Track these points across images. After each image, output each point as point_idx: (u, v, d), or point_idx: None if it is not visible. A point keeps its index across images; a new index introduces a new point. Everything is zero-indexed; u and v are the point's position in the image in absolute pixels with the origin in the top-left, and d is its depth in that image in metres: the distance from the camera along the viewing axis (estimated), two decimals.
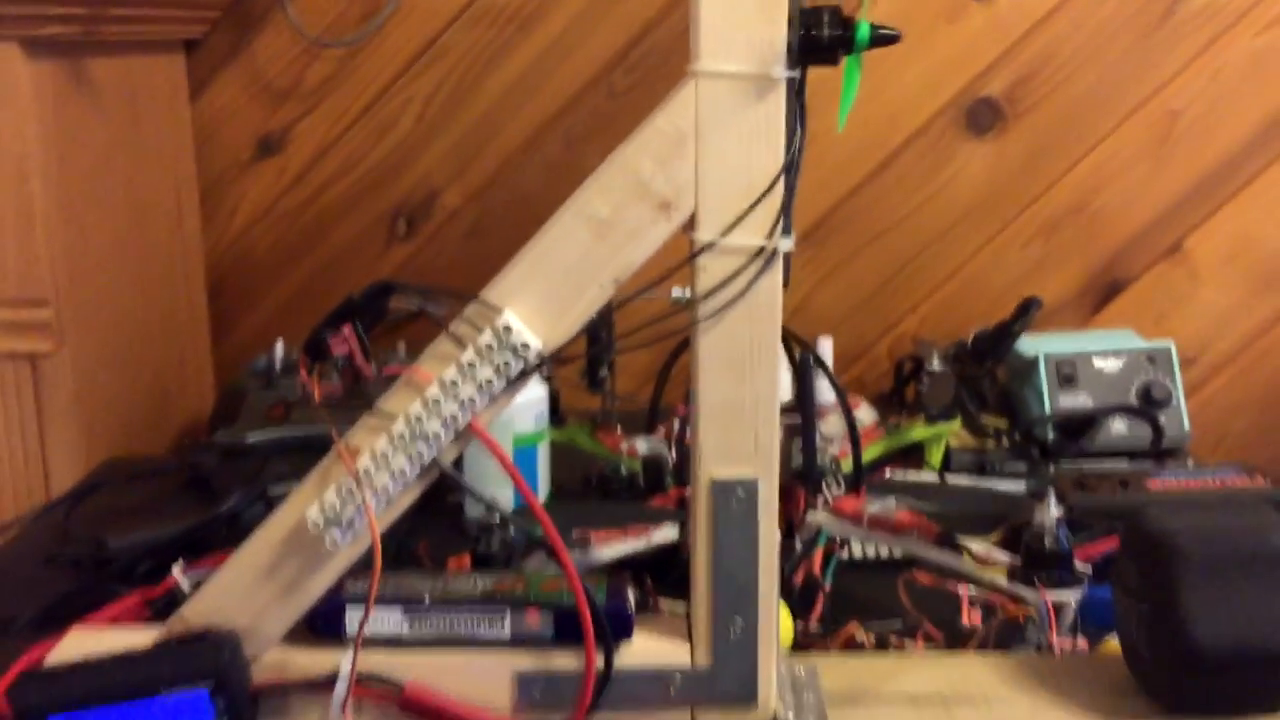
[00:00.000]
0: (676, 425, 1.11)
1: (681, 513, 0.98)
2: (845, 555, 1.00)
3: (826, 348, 1.25)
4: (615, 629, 0.65)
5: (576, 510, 1.13)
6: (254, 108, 1.50)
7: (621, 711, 0.66)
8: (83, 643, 0.67)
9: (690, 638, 0.67)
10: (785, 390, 1.14)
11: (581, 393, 1.22)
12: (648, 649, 0.67)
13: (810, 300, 1.52)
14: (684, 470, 1.09)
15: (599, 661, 0.64)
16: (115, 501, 1.08)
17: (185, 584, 0.76)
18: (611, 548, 0.94)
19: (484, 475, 0.98)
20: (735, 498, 0.64)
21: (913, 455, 1.22)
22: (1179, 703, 0.67)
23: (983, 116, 1.48)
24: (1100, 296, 1.52)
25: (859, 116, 0.62)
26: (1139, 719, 0.68)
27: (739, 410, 0.64)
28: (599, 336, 0.89)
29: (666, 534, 0.97)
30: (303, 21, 1.45)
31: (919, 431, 1.21)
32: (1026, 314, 1.24)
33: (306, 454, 1.11)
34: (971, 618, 0.89)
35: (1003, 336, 1.26)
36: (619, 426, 1.20)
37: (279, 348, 1.34)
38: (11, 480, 1.15)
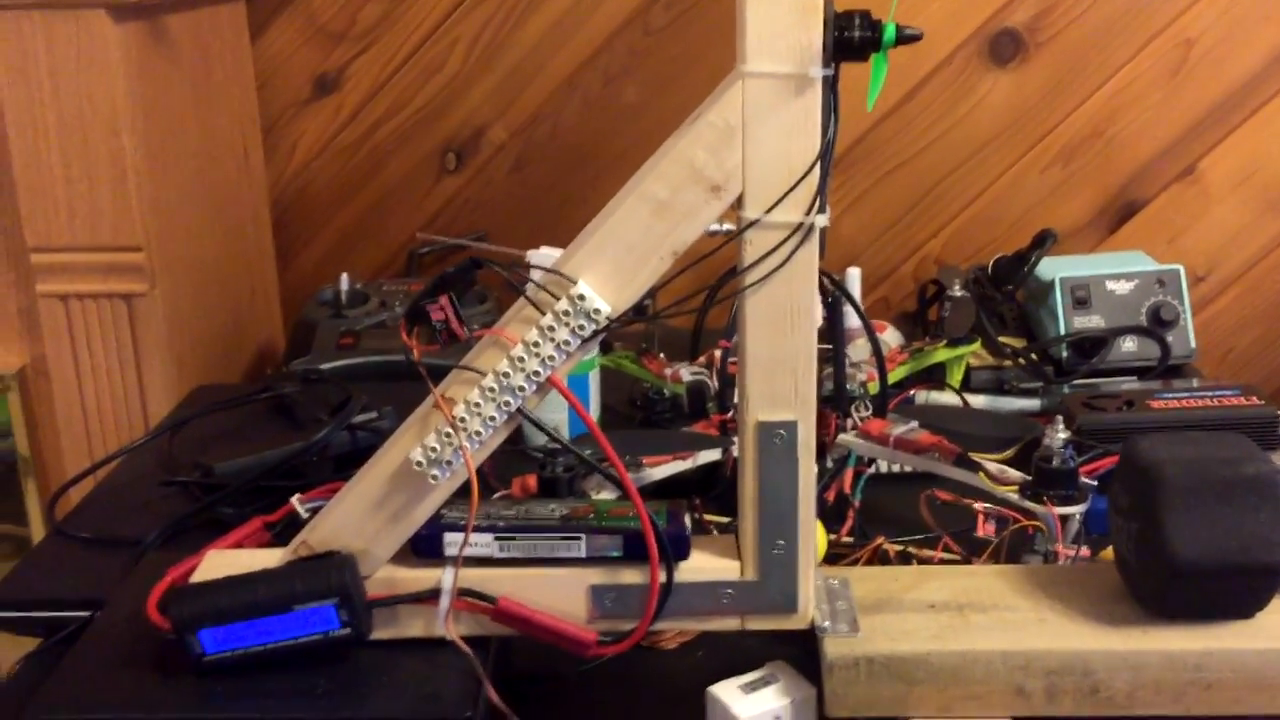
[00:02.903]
0: (718, 355, 1.18)
1: (723, 438, 1.07)
2: (873, 470, 1.09)
3: (855, 277, 1.32)
4: (676, 550, 0.73)
5: (626, 431, 1.21)
6: (310, 49, 1.56)
7: (681, 618, 0.76)
8: (219, 563, 0.77)
9: (740, 556, 0.75)
10: (816, 318, 1.22)
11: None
12: (703, 566, 0.75)
13: (838, 225, 1.58)
14: (724, 397, 1.17)
15: (662, 576, 0.73)
16: (209, 428, 1.15)
17: (303, 511, 0.86)
18: (661, 469, 1.04)
19: (544, 402, 1.07)
20: (778, 437, 0.72)
21: (935, 373, 1.27)
22: (1163, 608, 0.75)
23: (1004, 47, 1.52)
24: (1116, 218, 1.57)
25: None
26: (1129, 621, 0.76)
27: (780, 362, 0.72)
28: None
29: (709, 456, 1.07)
30: None
31: (941, 354, 1.26)
32: (1043, 245, 1.30)
33: (377, 380, 1.21)
34: (985, 530, 0.99)
35: (1021, 264, 1.33)
36: (662, 353, 1.28)
37: (344, 280, 1.42)
38: (113, 408, 1.25)
